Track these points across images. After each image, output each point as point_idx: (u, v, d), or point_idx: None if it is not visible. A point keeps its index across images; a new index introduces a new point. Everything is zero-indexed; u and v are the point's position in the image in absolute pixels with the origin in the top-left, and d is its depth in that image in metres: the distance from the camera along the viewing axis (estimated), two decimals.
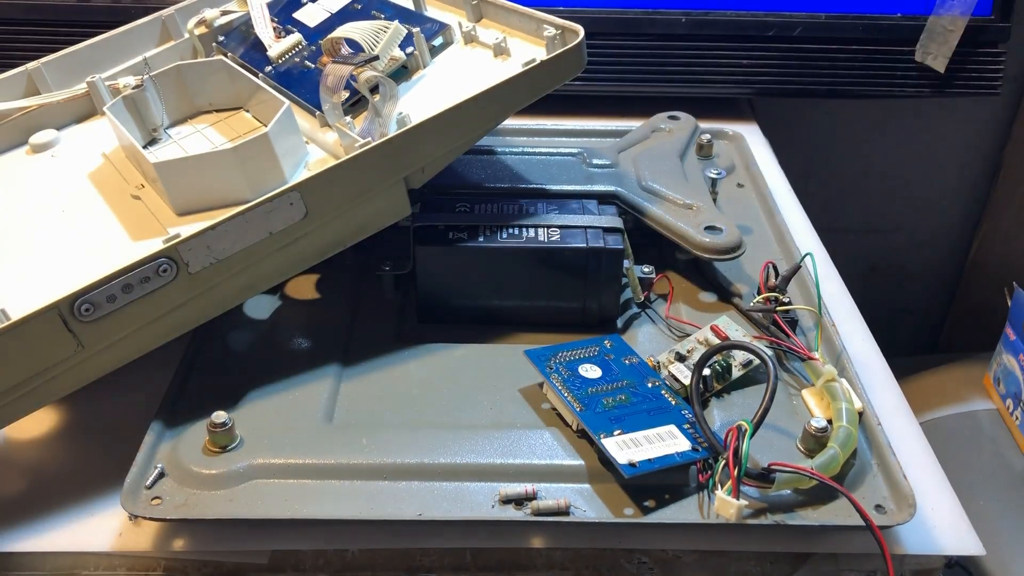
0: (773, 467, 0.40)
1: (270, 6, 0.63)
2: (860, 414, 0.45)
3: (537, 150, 0.64)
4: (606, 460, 0.42)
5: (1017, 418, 0.76)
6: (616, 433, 0.42)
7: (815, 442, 0.43)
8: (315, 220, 0.45)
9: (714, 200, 0.60)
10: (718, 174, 0.63)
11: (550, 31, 0.52)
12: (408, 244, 0.52)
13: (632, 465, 0.40)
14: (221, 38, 0.63)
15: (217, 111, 0.57)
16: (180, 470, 0.42)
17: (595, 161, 0.63)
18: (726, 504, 0.39)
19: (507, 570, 0.42)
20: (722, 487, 0.40)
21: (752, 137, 0.76)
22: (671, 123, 0.70)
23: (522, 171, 0.61)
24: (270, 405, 0.47)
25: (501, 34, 0.56)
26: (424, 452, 0.43)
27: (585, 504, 0.41)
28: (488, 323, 0.53)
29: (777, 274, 0.53)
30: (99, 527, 0.43)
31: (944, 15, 0.78)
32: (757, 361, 0.48)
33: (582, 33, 0.51)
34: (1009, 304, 0.78)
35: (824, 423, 0.43)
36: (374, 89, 0.51)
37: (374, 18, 0.58)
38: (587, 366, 0.47)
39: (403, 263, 0.54)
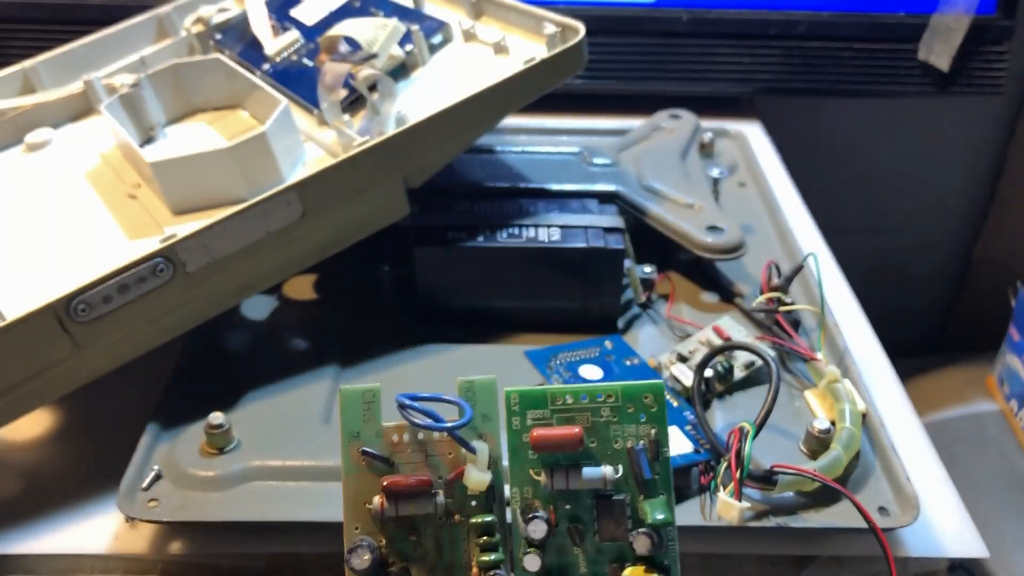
0: (776, 469, 0.40)
1: (268, 3, 0.63)
2: (863, 415, 0.45)
3: (537, 149, 0.64)
4: None
5: (1021, 419, 0.75)
6: None
7: (818, 444, 0.42)
8: (313, 219, 0.45)
9: (716, 199, 0.60)
10: (720, 173, 0.62)
11: (550, 28, 0.51)
12: (407, 244, 0.51)
13: None
14: (218, 36, 0.63)
15: (214, 110, 0.57)
16: (177, 472, 0.42)
17: (596, 160, 0.62)
18: (728, 506, 0.39)
19: None
20: (724, 489, 0.39)
21: (754, 136, 0.76)
22: (672, 122, 0.69)
23: (522, 170, 0.60)
24: (268, 407, 0.46)
25: (501, 32, 0.55)
26: None
27: None
28: (488, 323, 0.53)
29: (779, 274, 0.53)
30: (95, 529, 0.42)
31: (948, 13, 0.77)
32: (759, 362, 0.47)
33: (583, 31, 0.50)
34: (1013, 304, 0.77)
35: (827, 424, 0.42)
36: (373, 87, 0.51)
37: (372, 15, 0.57)
38: (588, 367, 0.46)
39: (402, 263, 0.54)
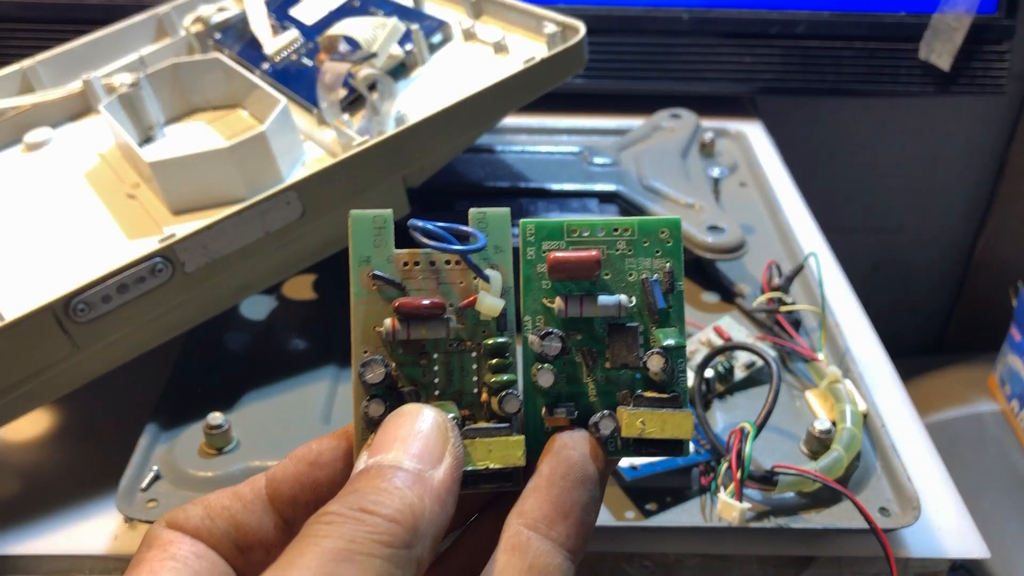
0: (776, 469, 0.40)
1: (267, 3, 0.63)
2: (864, 416, 0.44)
3: (537, 148, 0.64)
4: None
5: (1022, 420, 0.75)
6: None
7: (819, 444, 0.42)
8: (312, 219, 0.45)
9: (716, 199, 0.60)
10: (720, 173, 0.62)
11: (550, 28, 0.51)
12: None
13: (633, 468, 0.40)
14: (217, 35, 0.63)
15: (214, 109, 0.57)
16: (176, 472, 0.42)
17: (596, 160, 0.62)
18: (729, 507, 0.38)
19: None
20: (725, 490, 0.39)
21: (755, 135, 0.76)
22: (673, 121, 0.69)
23: (522, 170, 0.60)
24: (267, 407, 0.46)
25: (501, 31, 0.55)
26: None
27: None
28: None
29: (780, 274, 0.53)
30: (95, 530, 0.42)
31: (949, 12, 0.77)
32: (760, 362, 0.47)
33: (583, 30, 0.50)
34: (1014, 304, 0.77)
35: (828, 425, 0.42)
36: (372, 87, 0.51)
37: (372, 15, 0.57)
38: None
39: None
